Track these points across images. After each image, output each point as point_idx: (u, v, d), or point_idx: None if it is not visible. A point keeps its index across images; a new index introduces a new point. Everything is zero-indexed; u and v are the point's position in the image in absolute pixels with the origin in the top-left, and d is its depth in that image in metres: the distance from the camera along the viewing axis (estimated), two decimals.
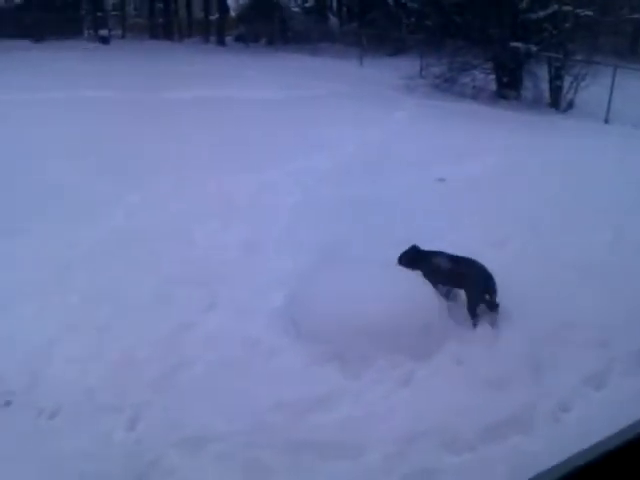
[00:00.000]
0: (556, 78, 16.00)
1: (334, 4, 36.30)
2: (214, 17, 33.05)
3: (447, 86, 16.80)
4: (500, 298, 4.30)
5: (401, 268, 4.43)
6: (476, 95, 16.30)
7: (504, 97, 16.41)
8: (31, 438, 3.15)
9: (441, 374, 3.64)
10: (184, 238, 5.66)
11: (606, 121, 13.87)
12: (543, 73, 16.20)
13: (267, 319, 4.18)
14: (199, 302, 4.44)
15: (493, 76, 17.02)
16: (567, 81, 15.69)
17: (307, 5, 33.45)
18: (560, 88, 15.91)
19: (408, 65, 18.37)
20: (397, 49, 24.31)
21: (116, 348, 3.87)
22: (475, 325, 4.16)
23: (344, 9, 35.41)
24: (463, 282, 4.36)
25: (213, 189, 7.04)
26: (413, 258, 4.53)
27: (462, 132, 10.94)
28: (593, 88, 14.40)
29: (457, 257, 4.44)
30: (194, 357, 3.81)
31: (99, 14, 28.77)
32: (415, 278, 4.35)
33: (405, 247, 4.61)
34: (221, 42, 30.09)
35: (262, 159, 8.32)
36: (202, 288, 4.62)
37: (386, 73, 18.79)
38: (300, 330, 3.94)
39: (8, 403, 3.47)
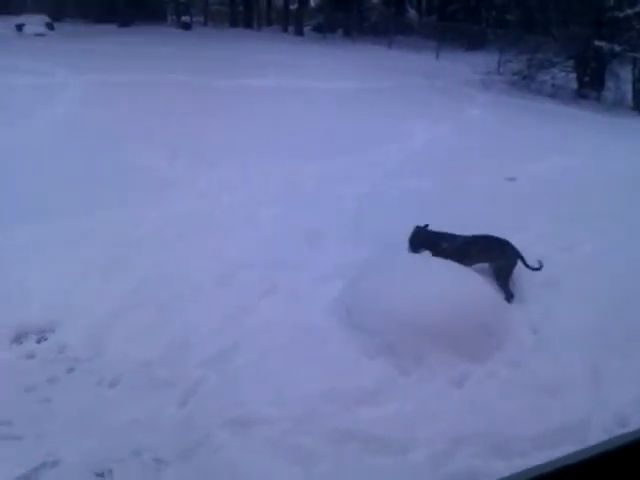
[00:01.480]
0: None
1: None
2: (294, 7, 33.27)
3: (525, 83, 16.36)
4: (565, 304, 4.21)
5: (461, 266, 4.34)
6: (555, 94, 15.78)
7: (584, 97, 15.85)
8: (89, 405, 3.29)
9: (496, 377, 3.56)
10: (249, 222, 5.75)
11: None
12: (627, 74, 15.50)
13: (324, 307, 4.18)
14: (258, 286, 4.49)
15: (573, 75, 16.45)
16: None
17: None
18: None
19: (486, 60, 17.98)
20: (475, 43, 23.81)
21: (175, 326, 3.98)
22: (509, 298, 4.42)
23: (423, 2, 34.98)
24: (489, 256, 4.63)
25: (281, 176, 7.12)
26: (423, 240, 4.69)
27: (537, 131, 10.65)
28: None
29: (472, 235, 4.72)
30: (249, 340, 3.85)
31: (182, 1, 29.44)
32: (476, 276, 4.27)
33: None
34: (299, 32, 30.29)
35: (332, 149, 8.35)
36: (263, 272, 4.68)
37: (462, 67, 18.48)
38: (355, 321, 3.93)
39: (71, 370, 3.64)
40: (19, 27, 21.55)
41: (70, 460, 2.90)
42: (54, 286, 4.37)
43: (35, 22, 22.00)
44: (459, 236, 4.74)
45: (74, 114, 9.52)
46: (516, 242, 4.70)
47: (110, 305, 4.20)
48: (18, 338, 3.87)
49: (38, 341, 3.87)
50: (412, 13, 33.83)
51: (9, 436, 3.07)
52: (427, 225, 4.80)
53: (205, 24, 31.65)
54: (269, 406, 3.24)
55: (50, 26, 22.59)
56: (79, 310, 4.12)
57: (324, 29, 30.62)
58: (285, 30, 31.83)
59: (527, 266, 4.63)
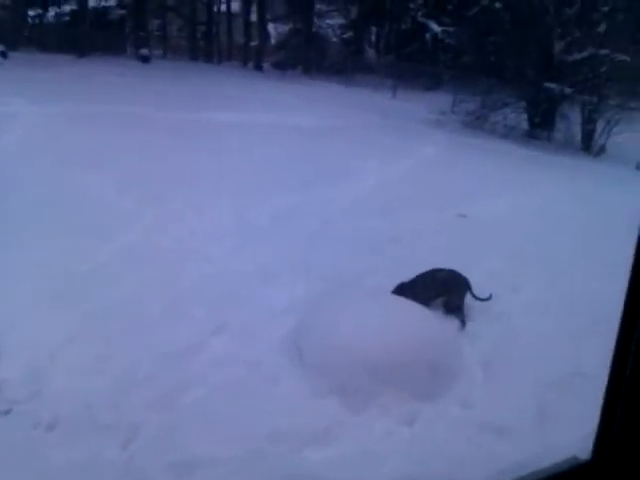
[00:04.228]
0: (589, 122, 15.93)
1: (372, 37, 36.75)
2: (254, 43, 33.65)
3: (478, 123, 16.82)
4: (514, 340, 4.27)
5: (413, 303, 4.35)
6: (507, 134, 16.25)
7: (535, 137, 16.38)
8: (25, 449, 3.12)
9: (446, 417, 3.54)
10: (199, 257, 5.66)
11: (638, 168, 13.66)
12: (576, 116, 16.09)
13: (273, 346, 4.12)
14: (208, 323, 4.40)
15: (525, 116, 16.99)
16: (600, 125, 15.56)
17: (345, 36, 33.91)
18: (592, 132, 15.82)
19: (441, 100, 18.45)
20: (431, 84, 24.43)
21: (119, 364, 3.84)
22: (464, 323, 4.59)
23: (382, 42, 35.82)
24: (449, 289, 4.76)
25: (233, 211, 7.07)
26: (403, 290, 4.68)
27: (489, 170, 10.91)
28: (627, 135, 14.24)
29: (434, 271, 4.84)
30: (196, 379, 3.75)
31: (142, 33, 29.44)
32: (427, 313, 4.28)
33: None
34: (258, 67, 30.65)
35: (284, 185, 8.36)
36: (212, 309, 4.60)
37: (418, 107, 18.90)
38: (305, 359, 3.88)
39: (8, 412, 3.45)
40: None
41: None
42: None
43: None
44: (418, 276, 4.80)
45: (26, 143, 9.33)
46: (468, 278, 4.76)
47: (53, 341, 4.03)
48: None
49: None
50: (370, 52, 34.59)
51: None
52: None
53: (164, 57, 31.69)
54: (214, 447, 3.13)
55: (4, 54, 22.25)
56: (20, 346, 3.94)
57: (283, 66, 31.01)
58: (245, 65, 32.11)
59: (475, 297, 4.75)
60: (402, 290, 4.64)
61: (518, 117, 16.79)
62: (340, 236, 6.46)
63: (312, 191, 8.22)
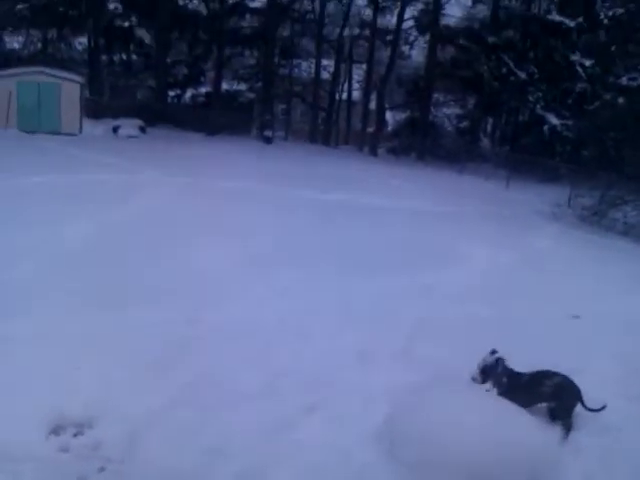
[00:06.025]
0: None
1: (488, 127, 36.89)
2: (371, 129, 34.79)
3: (595, 219, 16.16)
4: (624, 456, 3.93)
5: (515, 407, 4.08)
6: (626, 232, 15.45)
7: None
8: None
9: None
10: (300, 335, 5.68)
11: None
12: None
13: (365, 433, 4.02)
14: (301, 402, 4.38)
15: None
16: None
17: (461, 126, 34.27)
18: None
19: (556, 193, 18.01)
20: (546, 176, 23.93)
21: (211, 435, 3.89)
22: (568, 434, 4.21)
23: (498, 132, 35.84)
24: (558, 396, 4.37)
25: (337, 289, 7.12)
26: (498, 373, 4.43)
27: (607, 267, 10.39)
28: None
29: (543, 373, 4.46)
30: (283, 458, 3.72)
31: (267, 116, 31.27)
32: (529, 419, 4.02)
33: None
34: (373, 152, 31.60)
35: (391, 267, 8.38)
36: (307, 388, 4.58)
37: (532, 198, 18.56)
38: (396, 453, 3.74)
39: (102, 469, 3.57)
40: (115, 129, 23.47)
41: None
42: (100, 379, 4.38)
43: (130, 125, 23.95)
44: (523, 374, 4.51)
45: (150, 211, 10.08)
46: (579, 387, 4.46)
47: (151, 404, 4.17)
48: (56, 430, 3.87)
49: (75, 435, 3.86)
50: (485, 142, 34.67)
51: None
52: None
53: (286, 139, 33.43)
54: None
55: (143, 130, 24.43)
56: (120, 407, 4.10)
57: (398, 151, 31.72)
58: (360, 150, 33.17)
59: (587, 408, 4.36)
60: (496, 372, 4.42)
61: (639, 215, 15.97)
62: (445, 324, 6.29)
63: (420, 275, 8.14)
